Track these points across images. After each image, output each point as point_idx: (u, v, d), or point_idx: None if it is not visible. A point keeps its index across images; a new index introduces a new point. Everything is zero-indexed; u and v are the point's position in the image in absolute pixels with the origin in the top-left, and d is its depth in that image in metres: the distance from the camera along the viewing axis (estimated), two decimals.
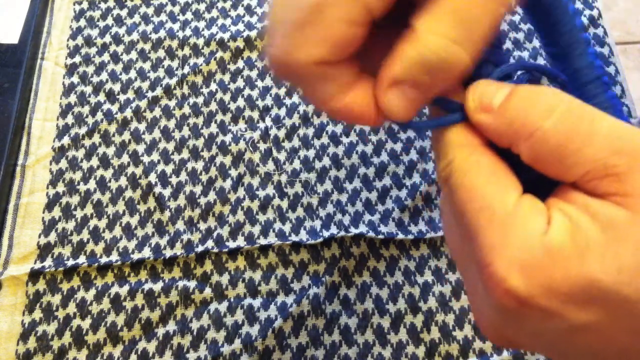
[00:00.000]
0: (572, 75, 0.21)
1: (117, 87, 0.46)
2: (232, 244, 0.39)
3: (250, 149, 0.43)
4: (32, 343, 0.36)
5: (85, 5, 0.50)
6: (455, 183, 0.17)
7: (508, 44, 0.46)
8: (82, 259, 0.39)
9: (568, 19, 0.21)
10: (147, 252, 0.39)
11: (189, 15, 0.49)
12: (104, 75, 0.46)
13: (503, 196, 0.16)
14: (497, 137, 0.17)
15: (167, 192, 0.41)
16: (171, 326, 0.37)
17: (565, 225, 0.15)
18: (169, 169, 0.42)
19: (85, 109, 0.45)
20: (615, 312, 0.14)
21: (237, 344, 0.37)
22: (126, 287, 0.38)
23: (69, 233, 0.40)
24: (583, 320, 0.14)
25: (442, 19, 0.15)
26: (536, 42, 0.46)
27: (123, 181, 0.42)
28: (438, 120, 0.18)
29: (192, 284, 0.38)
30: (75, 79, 0.46)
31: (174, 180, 0.42)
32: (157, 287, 0.38)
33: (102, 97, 0.45)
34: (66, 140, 0.43)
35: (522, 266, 0.14)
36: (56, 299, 0.38)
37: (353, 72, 0.17)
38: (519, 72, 0.20)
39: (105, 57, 0.47)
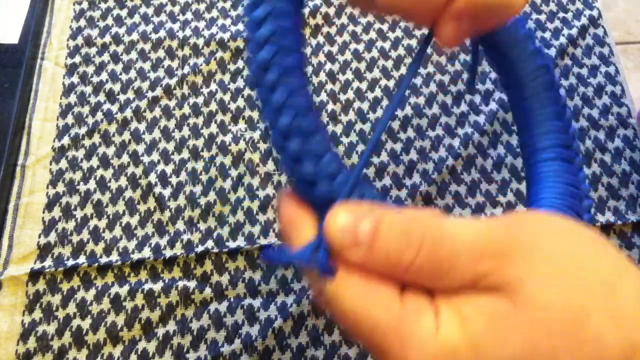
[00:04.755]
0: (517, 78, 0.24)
1: (117, 87, 0.46)
2: (232, 244, 0.39)
3: (250, 149, 0.43)
4: (32, 343, 0.36)
5: (85, 5, 0.50)
6: (336, 312, 0.16)
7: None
8: (82, 259, 0.39)
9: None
10: (147, 252, 0.39)
11: (189, 15, 0.49)
12: (104, 75, 0.46)
13: (385, 308, 0.16)
14: (371, 270, 0.16)
15: (167, 192, 0.41)
16: (171, 326, 0.37)
17: (453, 320, 0.15)
18: (169, 169, 0.42)
19: (85, 109, 0.45)
20: None
21: (237, 344, 0.37)
22: (126, 287, 0.38)
23: (69, 233, 0.40)
24: None
25: None
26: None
27: (123, 181, 0.42)
28: (298, 254, 0.17)
29: (192, 284, 0.38)
30: (75, 79, 0.46)
31: (174, 180, 0.42)
32: (157, 287, 0.38)
33: (102, 97, 0.45)
34: (66, 140, 0.43)
35: None
36: (56, 299, 0.38)
37: None
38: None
39: (105, 57, 0.47)
